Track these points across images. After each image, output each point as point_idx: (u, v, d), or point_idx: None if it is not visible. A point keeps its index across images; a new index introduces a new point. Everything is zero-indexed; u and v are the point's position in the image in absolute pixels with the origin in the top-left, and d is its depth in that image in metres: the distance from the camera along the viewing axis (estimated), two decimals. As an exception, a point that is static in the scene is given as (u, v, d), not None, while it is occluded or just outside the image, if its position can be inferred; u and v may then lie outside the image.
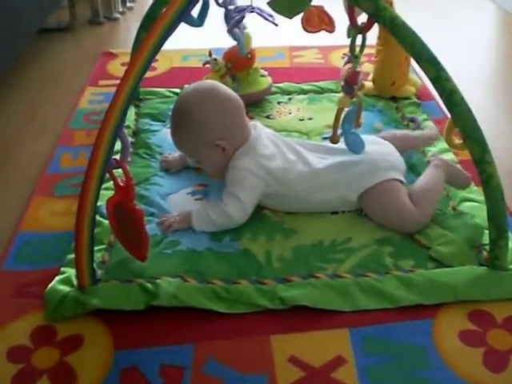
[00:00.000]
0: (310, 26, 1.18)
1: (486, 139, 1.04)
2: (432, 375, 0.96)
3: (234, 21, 1.50)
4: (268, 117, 1.70)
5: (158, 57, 0.99)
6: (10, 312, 1.08)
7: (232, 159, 1.28)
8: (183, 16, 0.97)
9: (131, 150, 1.49)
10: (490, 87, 1.96)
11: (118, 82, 0.99)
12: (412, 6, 2.49)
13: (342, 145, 1.34)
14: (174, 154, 1.45)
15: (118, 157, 1.04)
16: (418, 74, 1.83)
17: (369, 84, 1.76)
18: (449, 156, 1.45)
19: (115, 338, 1.02)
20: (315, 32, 1.21)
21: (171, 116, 1.31)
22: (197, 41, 1.57)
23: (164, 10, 0.96)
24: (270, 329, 1.04)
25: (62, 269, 1.14)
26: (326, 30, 1.21)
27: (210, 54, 1.68)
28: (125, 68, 0.99)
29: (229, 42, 1.66)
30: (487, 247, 1.15)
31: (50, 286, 1.09)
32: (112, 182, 1.05)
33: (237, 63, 1.68)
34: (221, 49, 1.72)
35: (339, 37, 1.30)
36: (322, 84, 1.88)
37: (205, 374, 0.96)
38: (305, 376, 0.96)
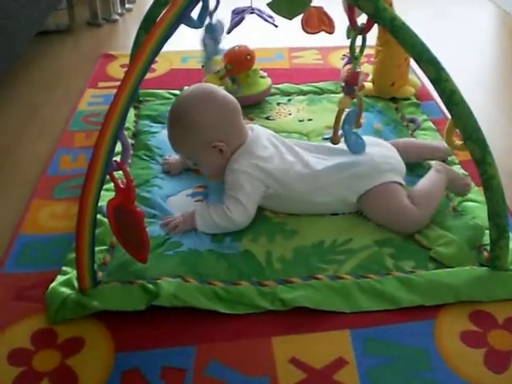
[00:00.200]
0: (309, 27, 1.18)
1: (486, 140, 1.04)
2: (433, 376, 0.95)
3: (233, 22, 1.51)
4: (268, 118, 1.70)
5: (157, 58, 0.98)
6: (10, 315, 1.08)
7: (230, 162, 1.28)
8: (183, 18, 0.97)
9: (131, 151, 1.49)
10: (489, 87, 1.96)
11: (117, 83, 0.99)
12: (411, 6, 2.49)
13: (342, 146, 1.34)
14: (174, 156, 1.45)
15: (118, 158, 1.04)
16: (417, 75, 1.83)
17: (368, 85, 1.76)
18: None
19: (116, 341, 1.02)
20: (315, 33, 1.22)
21: (168, 118, 1.31)
22: (196, 42, 1.57)
23: (164, 11, 0.96)
24: (271, 330, 1.04)
25: (64, 268, 1.14)
26: (326, 31, 1.22)
27: (210, 55, 1.68)
28: (124, 70, 0.99)
29: (228, 44, 1.66)
30: (488, 247, 1.15)
31: (50, 288, 1.09)
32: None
33: (236, 65, 1.68)
34: (222, 50, 1.72)
35: (338, 38, 1.30)
36: (321, 85, 1.88)
37: (206, 376, 0.96)
38: (306, 378, 0.95)
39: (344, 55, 2.02)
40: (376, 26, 1.20)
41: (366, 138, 1.32)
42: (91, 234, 1.04)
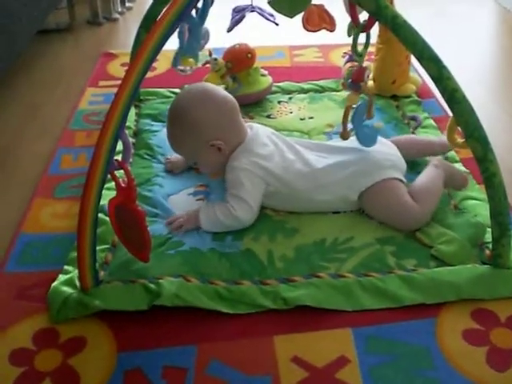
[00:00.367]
0: (310, 24, 1.18)
1: (488, 137, 1.04)
2: (435, 375, 0.95)
3: (234, 20, 1.50)
4: (269, 116, 1.70)
5: (157, 57, 0.98)
6: (12, 314, 1.07)
7: (230, 160, 1.28)
8: (184, 16, 0.97)
9: (132, 150, 1.49)
10: (490, 85, 1.95)
11: (118, 82, 0.99)
12: (411, 4, 2.48)
13: (343, 143, 1.34)
14: (176, 155, 1.45)
15: (119, 158, 1.03)
16: (418, 72, 1.83)
17: (369, 82, 1.75)
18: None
19: (118, 340, 1.02)
20: (316, 31, 1.22)
21: (167, 118, 1.31)
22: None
23: (164, 10, 0.96)
24: (272, 329, 1.04)
25: (65, 267, 1.15)
26: (327, 29, 1.21)
27: (210, 54, 1.68)
28: (125, 69, 0.99)
29: (229, 42, 1.66)
30: (489, 245, 1.15)
31: (52, 287, 1.09)
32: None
33: (237, 63, 1.68)
34: (221, 48, 1.72)
35: (339, 35, 1.30)
36: (322, 83, 1.88)
37: (208, 375, 0.96)
38: (308, 376, 0.95)
39: (345, 53, 2.01)
40: (377, 24, 1.20)
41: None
42: (93, 232, 1.04)
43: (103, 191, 1.02)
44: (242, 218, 1.23)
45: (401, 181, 1.28)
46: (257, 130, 1.33)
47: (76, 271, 1.09)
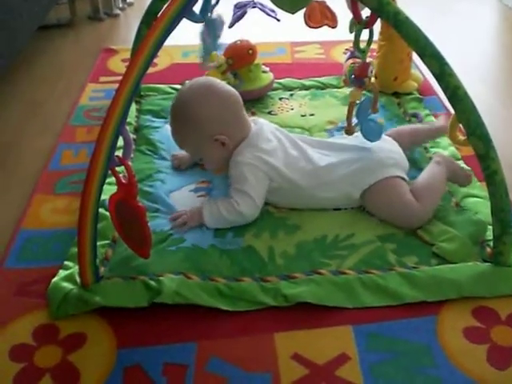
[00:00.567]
0: (312, 21, 1.17)
1: (489, 135, 1.04)
2: (436, 372, 0.95)
3: (235, 16, 1.50)
4: (270, 113, 1.69)
5: (159, 53, 0.98)
6: (12, 310, 1.07)
7: (233, 155, 1.28)
8: (185, 11, 0.96)
9: (133, 146, 1.49)
10: (492, 83, 1.95)
11: (118, 78, 0.98)
12: (413, 2, 2.47)
13: (345, 141, 1.34)
14: (182, 151, 1.45)
15: (120, 154, 1.03)
16: (419, 69, 1.83)
17: (372, 78, 1.75)
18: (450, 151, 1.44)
19: (118, 337, 1.02)
20: (317, 27, 1.21)
21: (170, 114, 1.31)
22: (198, 37, 1.57)
23: (166, 5, 0.96)
24: (273, 326, 1.04)
25: (66, 262, 1.14)
26: (329, 26, 1.21)
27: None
28: (126, 64, 0.99)
29: (230, 38, 1.65)
30: (491, 243, 1.15)
31: (52, 283, 1.09)
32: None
33: (238, 59, 1.67)
34: (222, 45, 1.71)
35: (341, 32, 1.29)
36: (323, 79, 1.88)
37: (208, 372, 0.96)
38: (309, 373, 0.95)
39: (347, 49, 2.01)
40: (378, 20, 1.20)
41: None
42: (93, 228, 1.04)
43: (104, 186, 1.02)
44: (246, 213, 1.23)
45: (403, 179, 1.27)
46: (261, 125, 1.33)
47: (76, 267, 1.09)
